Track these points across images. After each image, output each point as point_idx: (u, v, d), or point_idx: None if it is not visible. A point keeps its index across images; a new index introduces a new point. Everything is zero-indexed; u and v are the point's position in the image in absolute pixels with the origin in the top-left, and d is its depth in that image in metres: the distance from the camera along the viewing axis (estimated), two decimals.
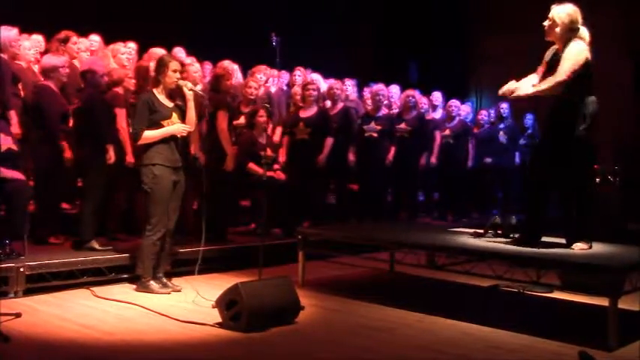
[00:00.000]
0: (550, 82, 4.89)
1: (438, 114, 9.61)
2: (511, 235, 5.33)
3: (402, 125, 8.59)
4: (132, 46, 7.13)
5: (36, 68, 6.54)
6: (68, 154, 5.91)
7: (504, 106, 9.96)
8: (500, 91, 5.20)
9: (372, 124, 8.28)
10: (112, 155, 5.84)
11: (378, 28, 13.00)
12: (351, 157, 8.09)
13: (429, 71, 12.58)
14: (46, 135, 5.87)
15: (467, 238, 5.52)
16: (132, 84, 6.42)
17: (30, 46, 6.63)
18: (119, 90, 6.26)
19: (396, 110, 9.00)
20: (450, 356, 4.13)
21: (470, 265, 5.32)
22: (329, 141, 7.52)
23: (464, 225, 6.92)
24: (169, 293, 5.30)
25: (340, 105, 8.07)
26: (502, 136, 9.90)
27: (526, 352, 4.24)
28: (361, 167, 8.30)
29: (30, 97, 6.07)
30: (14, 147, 5.43)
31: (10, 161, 5.29)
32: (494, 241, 5.29)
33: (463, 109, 9.67)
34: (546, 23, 5.02)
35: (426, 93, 9.82)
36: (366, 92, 9.24)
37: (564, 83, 4.84)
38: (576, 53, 4.84)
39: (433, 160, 8.95)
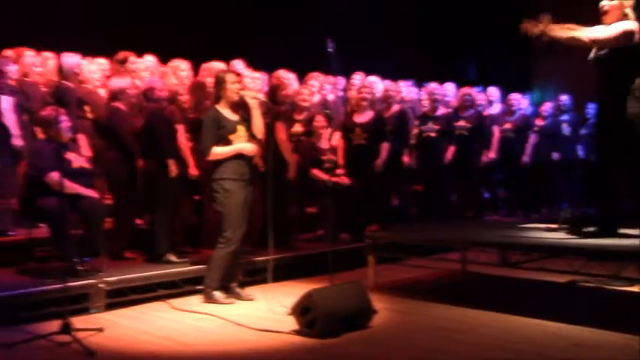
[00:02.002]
0: (592, 33, 4.80)
1: (495, 109, 9.48)
2: (585, 229, 5.19)
3: (461, 123, 8.52)
4: (185, 63, 7.24)
5: (101, 90, 6.76)
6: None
7: (564, 98, 9.74)
8: (531, 29, 5.04)
9: (430, 124, 8.23)
10: (173, 169, 5.95)
11: (433, 27, 12.91)
12: (406, 159, 8.04)
13: (487, 67, 12.43)
14: (119, 154, 6.08)
15: (540, 233, 5.41)
16: (185, 100, 6.51)
17: (95, 69, 6.86)
18: (173, 107, 6.39)
19: (454, 109, 8.92)
20: (529, 355, 4.06)
21: (544, 262, 5.21)
22: (385, 146, 7.49)
23: (535, 220, 6.78)
24: (234, 303, 5.37)
25: (396, 107, 8.04)
26: (566, 128, 9.68)
27: (609, 348, 4.13)
28: (422, 168, 8.26)
29: (102, 119, 6.28)
30: (86, 165, 5.61)
31: (83, 178, 5.46)
32: (568, 236, 5.16)
33: (523, 103, 9.51)
34: (606, 3, 4.91)
35: (485, 89, 9.70)
36: (422, 92, 9.19)
37: (604, 42, 4.73)
38: (628, 25, 4.76)
39: (492, 155, 8.82)
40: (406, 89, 8.93)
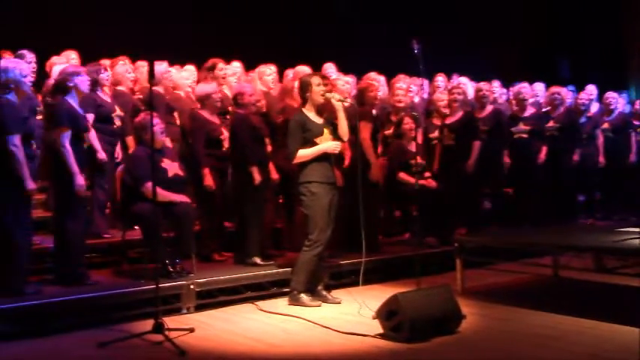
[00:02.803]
0: None
1: (594, 108, 9.14)
2: None
3: (551, 123, 8.27)
4: (273, 68, 7.33)
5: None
6: (209, 179, 6.14)
7: None
8: None
9: (520, 125, 8.03)
10: (256, 177, 6.01)
11: (522, 27, 12.61)
12: (506, 159, 7.85)
13: (582, 65, 12.03)
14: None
15: (638, 238, 5.15)
16: (263, 105, 6.57)
17: (187, 76, 7.05)
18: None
19: (544, 109, 8.68)
20: None
21: None
22: (476, 145, 7.29)
23: (632, 224, 6.47)
24: (320, 306, 5.38)
25: (490, 108, 7.87)
26: None
27: None
28: (514, 170, 8.05)
29: (187, 124, 6.46)
30: (180, 172, 5.78)
31: (177, 186, 5.63)
32: None
33: (621, 102, 9.13)
34: None
35: (579, 88, 9.38)
36: (510, 93, 8.97)
37: None
38: None
39: (601, 159, 8.52)
40: (499, 90, 8.74)
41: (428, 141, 7.59)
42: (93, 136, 6.07)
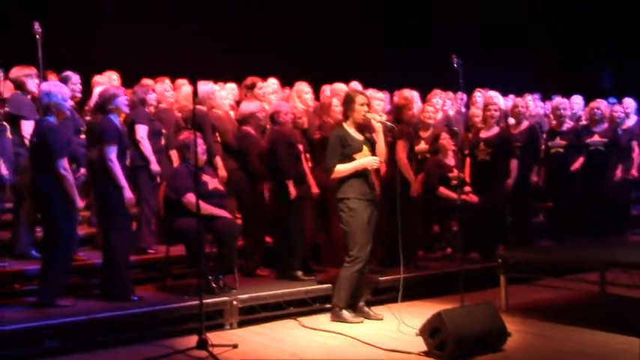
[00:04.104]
0: None
1: (631, 121, 8.97)
2: None
3: (595, 138, 8.15)
4: (308, 88, 7.35)
5: (232, 114, 7.02)
6: (266, 191, 6.24)
7: None
8: None
9: (557, 140, 7.93)
10: (292, 191, 6.03)
11: (563, 38, 12.48)
12: (534, 177, 7.75)
13: (622, 77, 11.84)
14: (249, 176, 6.29)
15: None
16: (304, 122, 6.62)
17: (226, 95, 7.13)
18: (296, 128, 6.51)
19: (583, 123, 8.55)
20: None
21: None
22: (514, 163, 7.28)
23: None
24: (362, 322, 5.36)
25: (525, 123, 7.80)
26: None
27: None
28: (552, 184, 7.95)
29: (231, 142, 6.52)
30: (221, 187, 5.84)
31: (217, 199, 5.67)
32: None
33: None
34: None
35: (620, 100, 9.23)
36: (548, 107, 8.87)
37: None
38: None
39: (634, 173, 8.35)
40: (532, 103, 8.64)
41: (463, 155, 7.54)
42: (147, 147, 6.18)
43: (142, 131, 6.20)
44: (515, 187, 7.37)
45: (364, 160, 5.36)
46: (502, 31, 11.62)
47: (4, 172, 5.36)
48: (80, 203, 5.07)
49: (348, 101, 5.49)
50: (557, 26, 12.48)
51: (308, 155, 6.48)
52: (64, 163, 5.02)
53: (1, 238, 5.95)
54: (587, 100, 9.09)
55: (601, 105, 8.47)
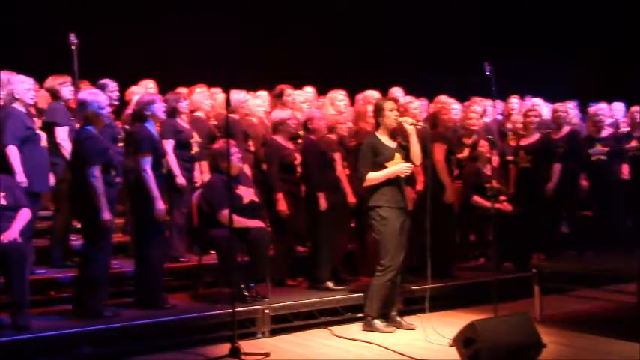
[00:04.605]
0: None
1: None
2: None
3: (634, 143, 7.98)
4: (343, 94, 7.35)
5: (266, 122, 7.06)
6: (282, 203, 6.18)
7: None
8: None
9: (597, 147, 7.79)
10: (322, 203, 6.02)
11: (600, 42, 12.28)
12: (584, 182, 7.63)
13: None
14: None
15: None
16: (344, 129, 6.62)
17: (260, 103, 7.17)
18: (332, 136, 6.50)
19: (624, 129, 8.39)
20: None
21: None
22: (556, 168, 7.18)
23: None
24: (394, 332, 5.32)
25: (566, 129, 7.70)
26: None
27: None
28: (592, 192, 7.81)
29: (260, 150, 6.55)
30: (255, 199, 5.86)
31: (252, 212, 5.70)
32: None
33: None
34: None
35: None
36: (587, 113, 8.73)
37: None
38: None
39: None
40: (572, 110, 8.53)
41: (505, 164, 7.46)
42: (173, 162, 6.23)
43: (168, 146, 6.19)
44: (562, 194, 7.25)
45: (396, 167, 5.34)
46: (539, 41, 11.49)
47: (20, 179, 5.35)
48: (107, 215, 5.05)
49: (377, 109, 5.49)
50: (595, 35, 12.28)
51: (345, 163, 6.46)
52: (96, 171, 5.03)
53: (37, 245, 6.04)
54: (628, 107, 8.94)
55: None
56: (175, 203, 6.32)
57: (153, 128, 5.55)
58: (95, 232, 5.09)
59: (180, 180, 6.28)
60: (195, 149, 6.55)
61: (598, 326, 5.32)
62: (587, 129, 8.37)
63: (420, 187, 6.20)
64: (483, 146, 6.98)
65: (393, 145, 5.43)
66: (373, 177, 5.33)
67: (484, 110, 8.12)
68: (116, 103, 6.70)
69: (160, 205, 5.32)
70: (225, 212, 5.33)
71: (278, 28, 10.06)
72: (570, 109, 8.42)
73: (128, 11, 9.01)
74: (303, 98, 7.53)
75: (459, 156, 7.03)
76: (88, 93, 5.37)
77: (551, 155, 7.23)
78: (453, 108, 7.23)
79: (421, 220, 5.59)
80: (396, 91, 7.76)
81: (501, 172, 7.34)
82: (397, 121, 5.41)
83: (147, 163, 5.31)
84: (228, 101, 5.02)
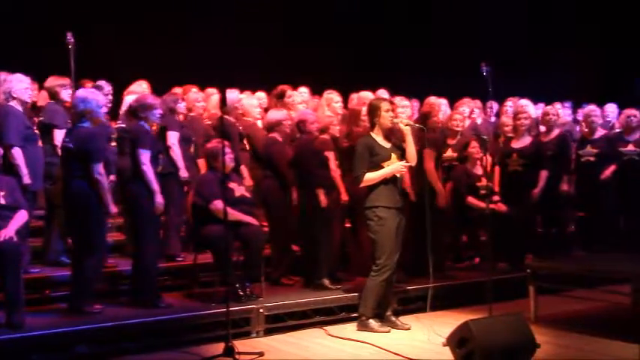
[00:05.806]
0: None
1: None
2: None
3: (630, 147, 8.00)
4: (338, 97, 7.35)
5: (259, 122, 7.07)
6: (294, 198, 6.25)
7: None
8: None
9: (588, 148, 7.82)
10: (323, 200, 6.04)
11: (594, 47, 12.33)
12: (565, 186, 7.65)
13: None
14: (276, 183, 6.31)
15: None
16: (337, 130, 6.63)
17: (256, 103, 7.18)
18: (326, 136, 6.51)
19: (617, 130, 8.42)
20: None
21: None
22: (544, 174, 7.17)
23: None
24: (389, 331, 5.33)
25: (556, 131, 7.71)
26: None
27: None
28: (583, 193, 7.84)
29: (260, 149, 6.56)
30: (247, 194, 5.87)
31: (244, 206, 5.71)
32: None
33: None
34: None
35: None
36: (580, 115, 8.76)
37: None
38: None
39: None
40: (562, 111, 8.54)
41: (493, 164, 7.48)
42: (178, 154, 6.25)
43: (173, 138, 6.29)
44: (545, 196, 7.28)
45: (392, 166, 5.35)
46: (535, 42, 11.52)
47: (27, 180, 5.42)
48: (114, 208, 5.15)
49: (373, 109, 5.50)
50: (592, 36, 12.31)
51: (337, 163, 6.48)
52: (100, 168, 5.11)
53: (33, 244, 6.04)
54: (621, 109, 8.96)
55: (637, 113, 8.32)
56: (172, 201, 6.31)
57: (147, 127, 5.57)
58: (86, 232, 5.12)
59: (184, 173, 6.31)
60: (192, 148, 6.57)
61: (592, 327, 5.34)
62: (581, 130, 8.41)
63: (412, 198, 6.19)
64: (474, 147, 6.99)
65: (387, 145, 5.45)
66: (370, 177, 5.34)
67: (471, 111, 8.14)
68: (109, 105, 6.71)
69: (159, 198, 5.35)
70: (217, 202, 5.39)
71: (273, 28, 10.09)
72: (560, 109, 8.43)
73: (126, 11, 9.02)
74: (300, 99, 7.54)
75: (444, 156, 7.01)
76: (88, 92, 5.44)
77: (541, 160, 7.23)
78: (441, 109, 7.23)
79: (414, 222, 5.63)
80: (382, 93, 7.75)
81: (488, 173, 7.34)
82: (392, 121, 5.43)
83: (146, 156, 5.33)
84: (223, 101, 5.02)
